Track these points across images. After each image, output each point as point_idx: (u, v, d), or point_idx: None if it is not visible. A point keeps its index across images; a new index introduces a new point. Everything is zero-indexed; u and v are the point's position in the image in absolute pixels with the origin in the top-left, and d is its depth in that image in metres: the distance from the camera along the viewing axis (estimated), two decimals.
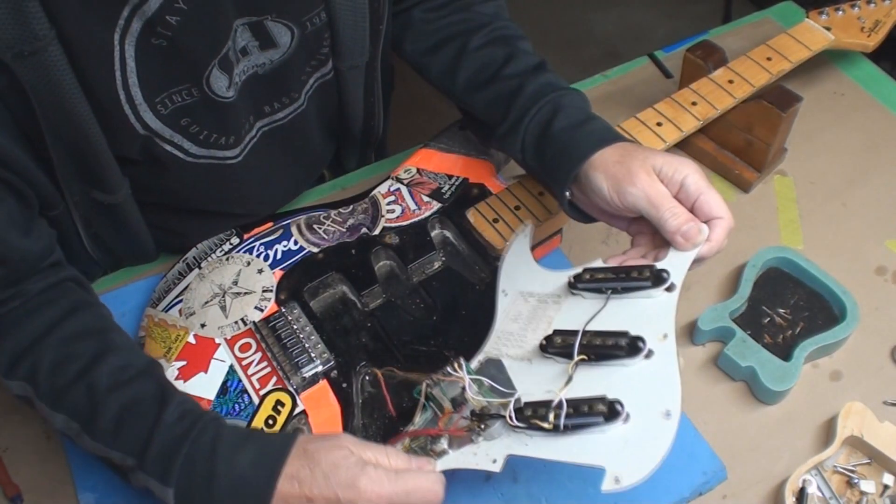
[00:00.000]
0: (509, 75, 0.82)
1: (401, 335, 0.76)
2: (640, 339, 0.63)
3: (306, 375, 0.72)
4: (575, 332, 0.64)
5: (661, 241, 0.71)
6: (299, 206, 0.92)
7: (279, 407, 0.70)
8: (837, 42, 0.97)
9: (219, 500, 0.60)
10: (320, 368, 0.72)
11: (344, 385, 0.72)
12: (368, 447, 0.62)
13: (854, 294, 0.81)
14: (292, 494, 0.60)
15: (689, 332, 0.82)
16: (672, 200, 0.69)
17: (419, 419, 0.66)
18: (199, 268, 0.79)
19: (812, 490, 0.71)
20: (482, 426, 0.63)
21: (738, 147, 0.93)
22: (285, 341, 0.74)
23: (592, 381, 0.62)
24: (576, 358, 0.63)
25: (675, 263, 0.67)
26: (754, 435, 0.76)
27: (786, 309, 0.82)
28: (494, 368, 0.67)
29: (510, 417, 0.61)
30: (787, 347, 0.79)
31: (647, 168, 0.70)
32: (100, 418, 0.63)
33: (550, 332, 0.66)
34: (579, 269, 0.69)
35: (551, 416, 0.60)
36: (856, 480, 0.72)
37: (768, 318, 0.82)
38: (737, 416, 0.77)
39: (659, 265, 0.67)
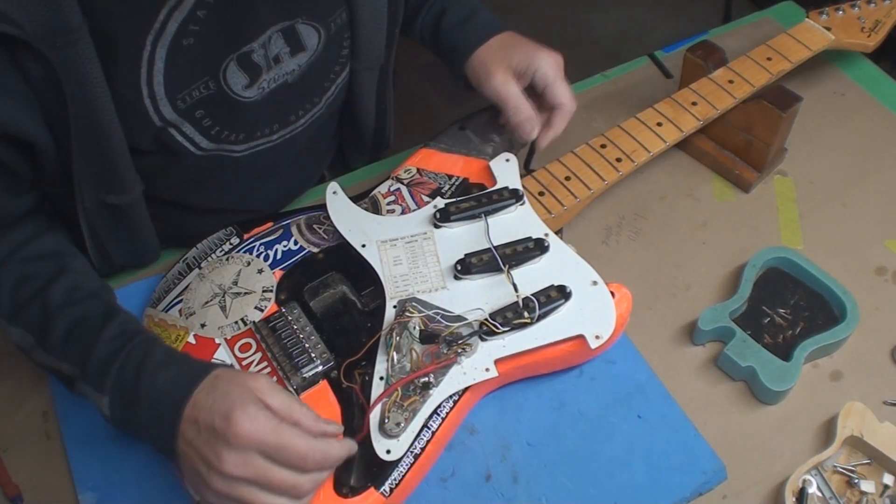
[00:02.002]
0: None
1: None
2: (542, 238, 0.77)
3: (306, 376, 0.72)
4: (488, 250, 0.76)
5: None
6: (299, 206, 0.92)
7: None
8: (837, 42, 0.97)
9: (141, 412, 0.64)
10: (320, 368, 0.72)
11: (344, 385, 0.72)
12: (281, 394, 0.62)
13: (854, 294, 0.81)
14: (188, 416, 0.62)
15: (689, 332, 0.82)
16: (517, 98, 0.83)
17: (391, 366, 0.70)
18: (199, 268, 0.79)
19: (812, 490, 0.71)
20: (464, 347, 0.70)
21: (738, 147, 0.93)
22: (285, 341, 0.74)
23: (521, 280, 0.74)
24: (505, 268, 0.75)
25: (510, 180, 0.82)
26: (754, 435, 0.76)
27: (786, 309, 0.82)
28: (420, 305, 0.74)
29: (496, 326, 0.71)
30: (787, 347, 0.79)
31: (504, 67, 0.84)
32: (52, 333, 0.68)
33: (443, 262, 0.76)
34: (433, 209, 0.80)
35: (526, 314, 0.71)
36: (856, 480, 0.72)
37: (768, 318, 0.82)
38: (737, 416, 0.77)
39: (510, 186, 0.81)
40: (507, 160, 0.84)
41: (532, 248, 0.77)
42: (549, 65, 0.84)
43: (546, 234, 0.78)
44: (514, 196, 0.80)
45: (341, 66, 0.85)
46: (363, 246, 0.78)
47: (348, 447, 0.65)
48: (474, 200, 0.81)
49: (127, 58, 0.66)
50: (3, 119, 0.63)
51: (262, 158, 0.83)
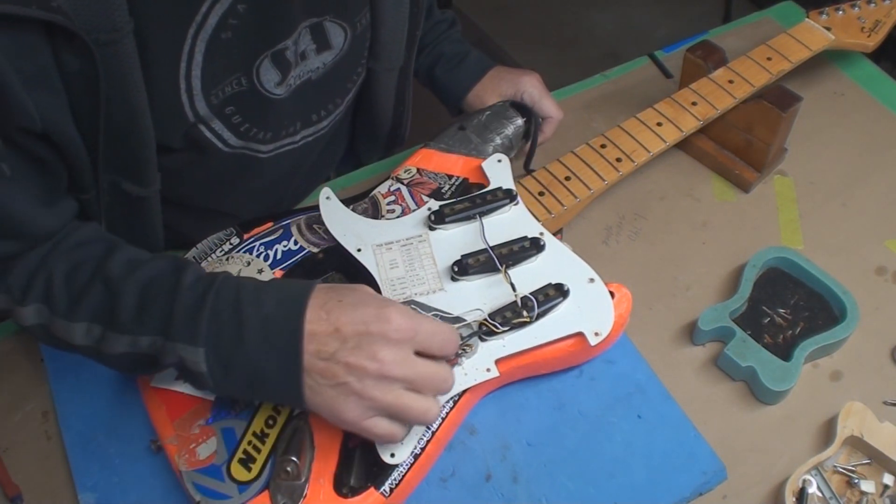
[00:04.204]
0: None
1: None
2: (537, 238, 0.77)
3: None
4: (484, 251, 0.76)
5: None
6: (299, 206, 0.92)
7: (280, 407, 0.70)
8: (837, 42, 0.97)
9: (250, 347, 0.59)
10: None
11: None
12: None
13: (854, 294, 0.81)
14: (320, 330, 0.59)
15: (689, 332, 0.82)
16: None
17: None
18: None
19: (812, 490, 0.71)
20: (465, 348, 0.71)
21: (738, 147, 0.93)
22: None
23: (518, 279, 0.75)
24: (502, 268, 0.75)
25: (503, 180, 0.82)
26: (754, 435, 0.76)
27: (786, 309, 0.82)
28: (418, 307, 0.74)
29: (495, 326, 0.71)
30: (787, 347, 0.79)
31: (496, 96, 0.96)
32: (122, 306, 0.62)
33: (439, 263, 0.77)
34: (427, 211, 0.80)
35: (525, 313, 0.72)
36: (856, 480, 0.72)
37: (768, 318, 0.82)
38: (737, 416, 0.77)
39: (504, 186, 0.81)
40: (499, 160, 0.84)
41: (528, 248, 0.77)
42: (533, 86, 0.96)
43: (541, 234, 0.78)
44: (508, 196, 0.80)
45: (363, 66, 0.86)
46: (358, 250, 0.78)
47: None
48: (468, 202, 0.81)
49: (167, 51, 0.65)
50: (47, 114, 0.61)
51: (283, 160, 0.84)
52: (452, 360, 0.70)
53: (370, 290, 0.64)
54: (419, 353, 0.61)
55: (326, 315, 0.59)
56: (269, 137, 0.80)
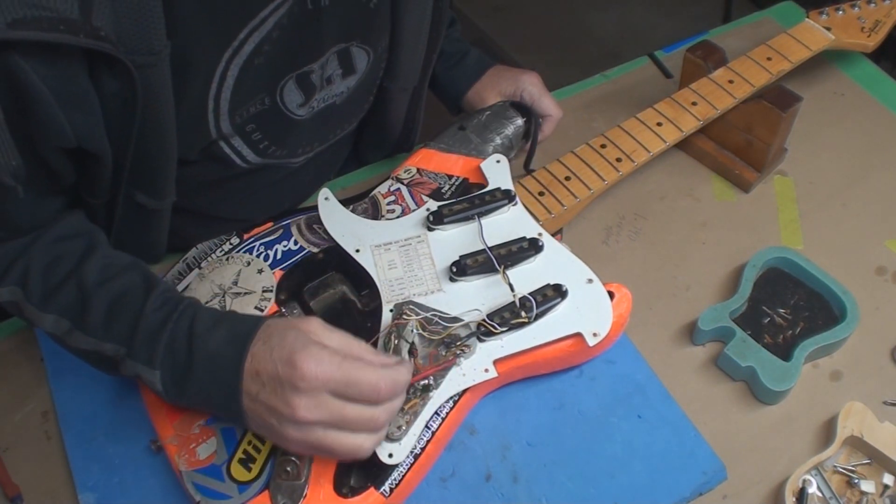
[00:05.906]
0: None
1: None
2: (536, 238, 0.77)
3: None
4: (482, 251, 0.76)
5: None
6: (300, 206, 0.92)
7: None
8: (837, 42, 0.97)
9: (197, 378, 0.62)
10: None
11: None
12: (336, 334, 0.62)
13: (854, 294, 0.81)
14: (249, 371, 0.61)
15: (689, 332, 0.82)
16: None
17: None
18: (199, 268, 0.79)
19: (812, 490, 0.71)
20: (464, 349, 0.71)
21: (738, 147, 0.93)
22: None
23: (516, 280, 0.74)
24: (501, 268, 0.75)
25: (502, 181, 0.82)
26: (754, 435, 0.76)
27: (786, 309, 0.82)
28: (417, 308, 0.73)
29: (493, 327, 0.71)
30: (787, 347, 0.79)
31: (496, 94, 0.96)
32: (91, 312, 0.65)
33: (438, 264, 0.77)
34: (425, 212, 0.80)
35: (523, 313, 0.71)
36: (856, 480, 0.72)
37: (768, 318, 0.82)
38: (737, 416, 0.77)
39: (502, 187, 0.81)
40: (498, 161, 0.84)
41: (526, 248, 0.77)
42: (532, 84, 0.95)
43: (540, 234, 0.78)
44: (507, 196, 0.80)
45: (377, 87, 0.87)
46: (357, 251, 0.78)
47: (411, 368, 0.65)
48: (467, 202, 0.81)
49: (201, 74, 0.66)
50: (83, 133, 0.62)
51: (295, 171, 0.85)
52: (450, 361, 0.70)
53: (309, 326, 0.62)
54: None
55: (251, 358, 0.61)
56: (286, 154, 0.81)
